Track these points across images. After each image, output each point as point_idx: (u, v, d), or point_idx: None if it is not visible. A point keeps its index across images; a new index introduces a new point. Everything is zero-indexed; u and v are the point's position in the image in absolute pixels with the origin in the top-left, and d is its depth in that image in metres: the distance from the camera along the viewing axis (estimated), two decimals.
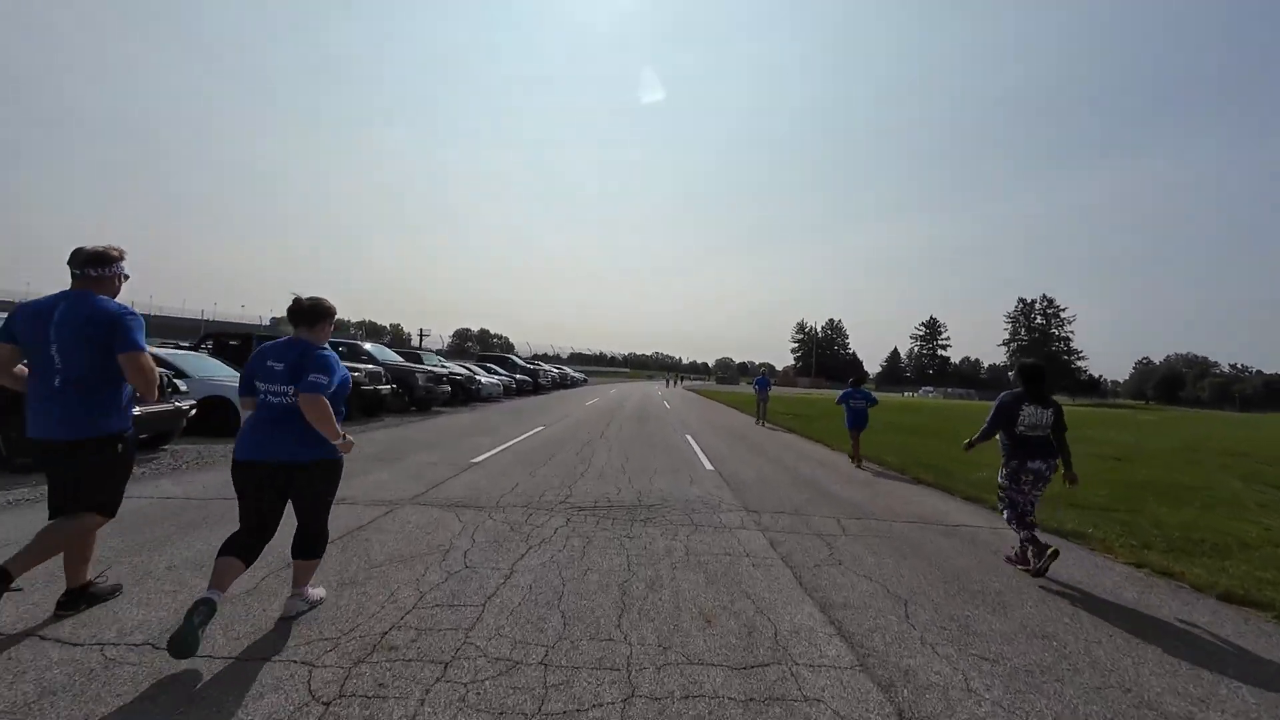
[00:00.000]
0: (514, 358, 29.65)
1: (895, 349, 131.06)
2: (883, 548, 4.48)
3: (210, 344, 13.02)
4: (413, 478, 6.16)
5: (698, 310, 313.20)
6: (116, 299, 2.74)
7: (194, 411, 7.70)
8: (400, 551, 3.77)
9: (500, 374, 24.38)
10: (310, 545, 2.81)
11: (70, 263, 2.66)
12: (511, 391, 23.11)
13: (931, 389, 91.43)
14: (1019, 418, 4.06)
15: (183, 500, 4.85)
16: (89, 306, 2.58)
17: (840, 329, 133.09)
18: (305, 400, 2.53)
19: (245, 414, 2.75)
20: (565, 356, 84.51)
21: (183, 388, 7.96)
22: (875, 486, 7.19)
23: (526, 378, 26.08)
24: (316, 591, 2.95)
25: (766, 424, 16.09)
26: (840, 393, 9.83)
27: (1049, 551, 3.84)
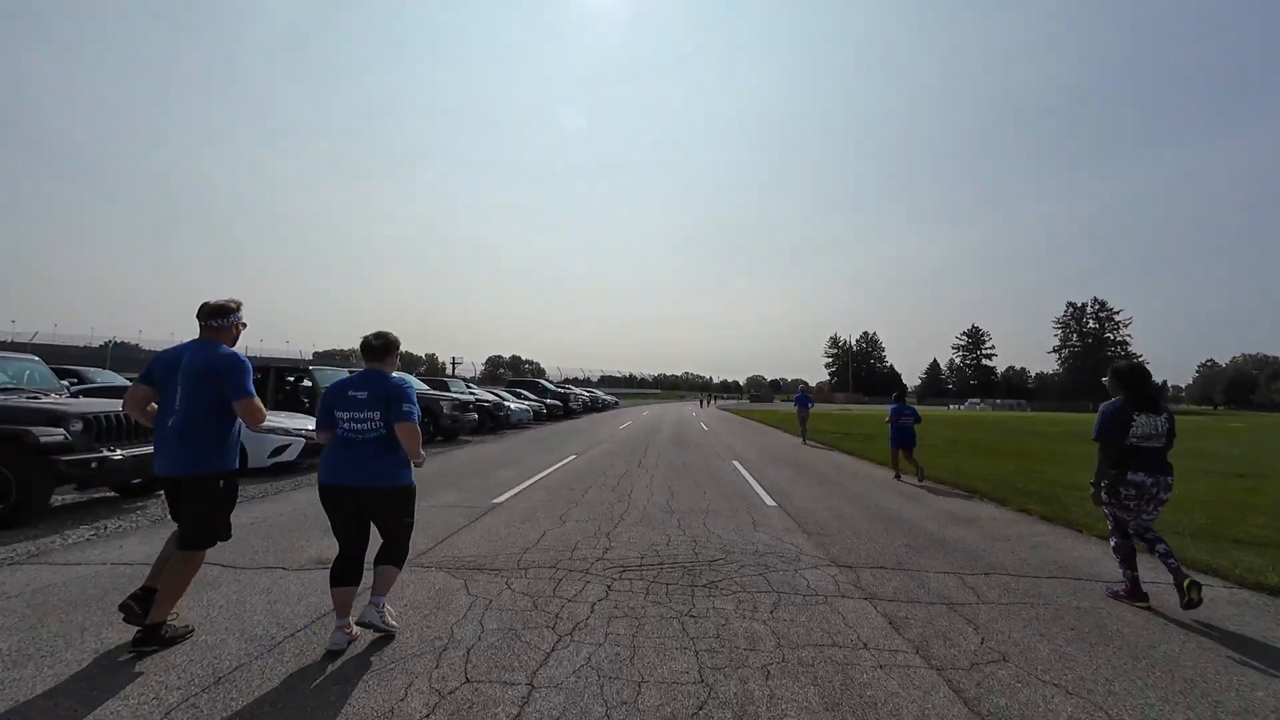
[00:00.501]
0: (544, 382, 28.87)
1: (935, 360, 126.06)
2: (1052, 627, 3.19)
3: None
4: (421, 527, 5.11)
5: (726, 329, 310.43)
6: (236, 344, 3.10)
7: None
8: (379, 654, 2.71)
9: (530, 399, 23.55)
10: (395, 555, 2.98)
11: (197, 316, 3.00)
12: (542, 417, 22.20)
13: (979, 401, 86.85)
14: (1130, 429, 3.56)
15: (137, 568, 3.92)
16: (209, 355, 2.88)
17: (876, 341, 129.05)
18: (404, 430, 2.84)
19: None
20: (596, 380, 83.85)
21: None
22: (982, 524, 5.83)
23: (557, 402, 25.18)
24: (390, 620, 2.90)
25: (809, 442, 15.16)
26: (890, 409, 9.29)
27: (1140, 604, 3.55)
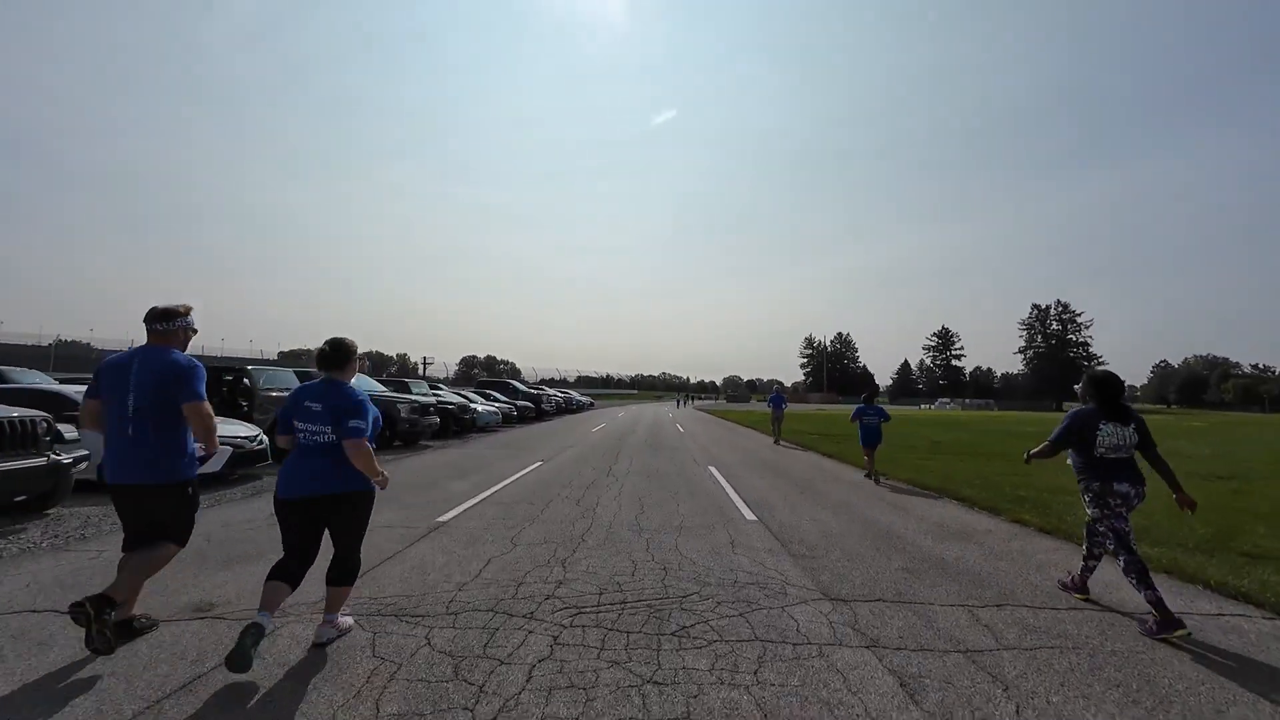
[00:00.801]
0: (515, 383, 27.89)
1: (905, 361, 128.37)
2: (1094, 684, 2.61)
3: None
4: None
5: (702, 330, 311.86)
6: (186, 349, 3.04)
7: (84, 465, 6.00)
8: None
9: (500, 401, 22.64)
10: (345, 573, 2.91)
11: (145, 320, 2.96)
12: (512, 419, 21.31)
13: (949, 400, 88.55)
14: (1096, 439, 3.50)
15: None
16: (160, 360, 2.84)
17: (849, 342, 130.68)
18: (351, 446, 2.76)
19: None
20: (572, 380, 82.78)
21: (73, 434, 6.26)
22: (979, 539, 5.31)
23: (529, 404, 24.27)
24: (345, 620, 2.99)
25: (783, 442, 15.23)
26: (854, 409, 9.45)
27: (1179, 632, 3.07)
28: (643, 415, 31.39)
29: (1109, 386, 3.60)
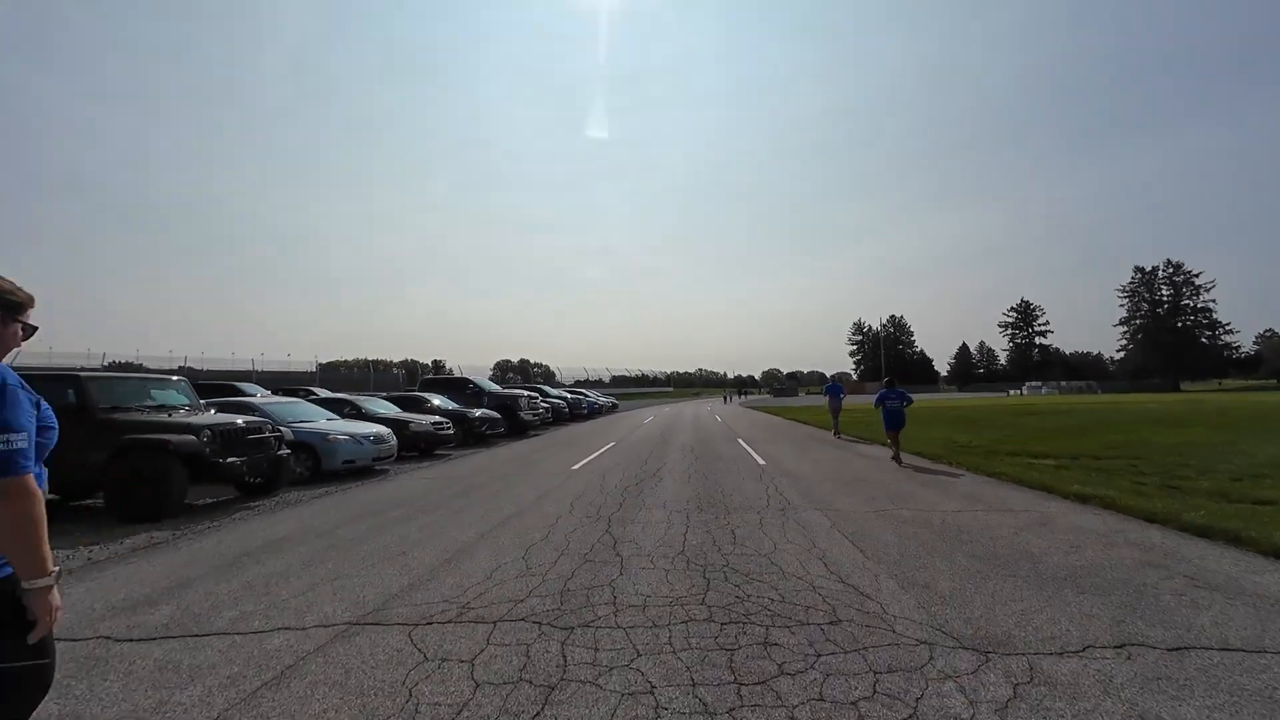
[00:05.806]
0: (479, 381, 18.68)
1: (964, 344, 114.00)
2: None
3: None
4: None
5: (739, 324, 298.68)
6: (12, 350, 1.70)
7: None
8: None
9: (444, 409, 13.74)
10: None
11: None
12: (442, 440, 12.16)
13: (1040, 384, 75.13)
14: None
15: None
16: None
17: (904, 326, 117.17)
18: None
19: None
20: (607, 380, 74.06)
21: None
22: None
23: (492, 414, 15.14)
24: None
25: (841, 436, 13.24)
26: (878, 394, 9.36)
27: None
28: (679, 422, 21.67)
29: None
